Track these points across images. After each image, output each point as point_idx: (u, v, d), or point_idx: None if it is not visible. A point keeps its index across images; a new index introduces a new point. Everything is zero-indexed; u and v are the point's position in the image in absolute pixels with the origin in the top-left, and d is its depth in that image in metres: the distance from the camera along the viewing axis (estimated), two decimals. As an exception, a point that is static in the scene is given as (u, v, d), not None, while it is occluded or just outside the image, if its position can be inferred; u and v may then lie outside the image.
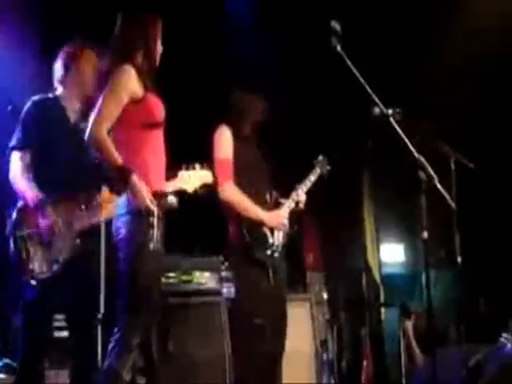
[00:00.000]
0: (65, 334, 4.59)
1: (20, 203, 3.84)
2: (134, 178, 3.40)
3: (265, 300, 4.18)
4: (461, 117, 6.63)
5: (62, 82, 4.11)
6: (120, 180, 3.43)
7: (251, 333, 4.15)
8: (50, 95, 4.11)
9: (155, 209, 3.45)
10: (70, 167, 3.90)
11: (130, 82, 3.53)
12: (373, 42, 6.40)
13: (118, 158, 3.42)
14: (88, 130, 3.44)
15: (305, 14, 6.37)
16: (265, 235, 4.26)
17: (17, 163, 3.93)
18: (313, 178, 4.63)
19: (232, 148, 4.30)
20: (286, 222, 4.36)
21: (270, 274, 4.23)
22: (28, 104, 4.04)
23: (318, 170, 4.68)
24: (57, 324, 4.58)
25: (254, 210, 4.26)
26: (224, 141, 4.31)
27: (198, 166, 3.74)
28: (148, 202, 3.40)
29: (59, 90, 4.12)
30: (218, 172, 4.18)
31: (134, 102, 3.53)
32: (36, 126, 3.95)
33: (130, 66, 3.56)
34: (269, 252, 4.25)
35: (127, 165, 3.43)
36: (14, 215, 3.80)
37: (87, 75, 4.07)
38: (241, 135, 4.37)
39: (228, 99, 4.48)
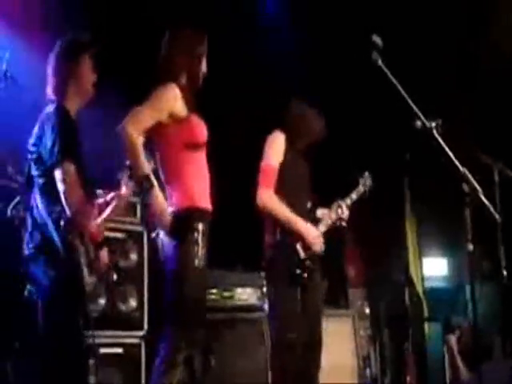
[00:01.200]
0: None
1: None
2: (153, 192, 3.41)
3: (297, 317, 4.14)
4: (503, 127, 6.56)
5: (61, 93, 3.62)
6: (141, 188, 3.44)
7: (284, 348, 4.12)
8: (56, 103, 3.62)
9: (200, 225, 3.46)
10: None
11: (173, 101, 3.54)
12: (412, 53, 6.38)
13: (142, 167, 3.40)
14: (120, 126, 3.40)
15: (344, 27, 6.37)
16: (297, 252, 4.20)
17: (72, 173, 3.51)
18: (355, 196, 4.56)
19: (282, 157, 4.23)
20: (322, 240, 4.29)
21: (302, 292, 4.18)
22: (61, 110, 3.56)
23: (361, 188, 4.62)
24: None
25: (292, 217, 4.16)
26: (276, 147, 4.23)
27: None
28: (157, 219, 3.44)
29: (57, 98, 3.63)
30: (260, 177, 4.17)
31: (177, 121, 3.54)
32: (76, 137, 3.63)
33: (175, 86, 3.58)
34: (299, 270, 4.19)
35: (150, 176, 3.42)
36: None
37: (88, 80, 3.68)
38: (295, 146, 4.31)
39: (285, 107, 4.44)
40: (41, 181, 3.47)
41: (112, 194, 3.78)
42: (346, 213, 4.43)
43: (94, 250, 3.52)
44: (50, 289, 3.39)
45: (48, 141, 3.41)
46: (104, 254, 3.63)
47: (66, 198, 3.37)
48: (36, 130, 3.52)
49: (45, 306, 3.44)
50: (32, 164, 3.52)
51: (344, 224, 4.44)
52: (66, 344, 3.38)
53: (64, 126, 3.43)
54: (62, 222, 3.36)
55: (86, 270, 3.44)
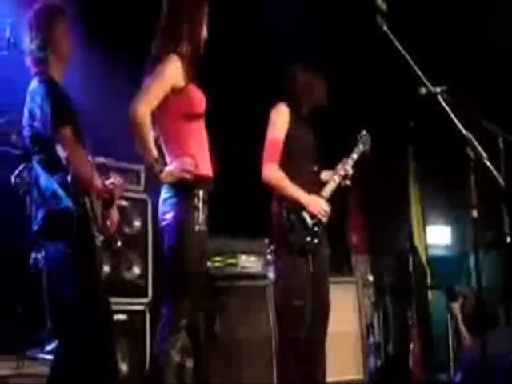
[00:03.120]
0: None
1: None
2: (165, 173, 3.44)
3: (304, 284, 4.16)
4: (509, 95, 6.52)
5: (42, 59, 3.52)
6: (152, 172, 3.48)
7: (291, 315, 4.15)
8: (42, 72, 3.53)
9: (200, 192, 3.47)
10: None
11: (175, 73, 3.52)
12: (417, 18, 6.32)
13: (153, 153, 3.43)
14: (131, 107, 3.42)
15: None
16: (304, 220, 4.23)
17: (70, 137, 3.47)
18: (355, 155, 4.56)
19: (287, 129, 4.26)
20: (326, 207, 4.30)
21: (310, 259, 4.21)
22: (46, 81, 3.48)
23: (360, 146, 4.61)
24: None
25: (296, 193, 4.21)
26: (280, 120, 4.28)
27: None
28: (183, 173, 3.43)
29: (40, 67, 3.53)
30: (265, 152, 4.22)
31: (175, 92, 3.52)
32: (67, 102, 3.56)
33: (176, 57, 3.55)
34: (309, 237, 4.22)
35: (160, 159, 3.45)
36: None
37: (65, 45, 3.61)
38: (299, 116, 4.34)
39: (286, 76, 4.44)
40: (39, 157, 3.46)
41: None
42: (350, 171, 4.45)
43: (102, 208, 3.52)
44: (59, 260, 3.37)
45: (40, 113, 3.37)
46: (114, 212, 3.63)
47: (69, 162, 3.35)
48: (26, 109, 3.48)
49: (54, 275, 3.42)
50: (29, 143, 3.49)
51: (348, 183, 4.46)
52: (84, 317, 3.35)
53: (52, 96, 3.39)
54: (69, 180, 3.34)
55: (93, 228, 3.45)
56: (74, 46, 3.65)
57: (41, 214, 3.41)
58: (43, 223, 3.40)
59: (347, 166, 4.46)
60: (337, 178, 4.41)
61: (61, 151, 3.36)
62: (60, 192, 3.36)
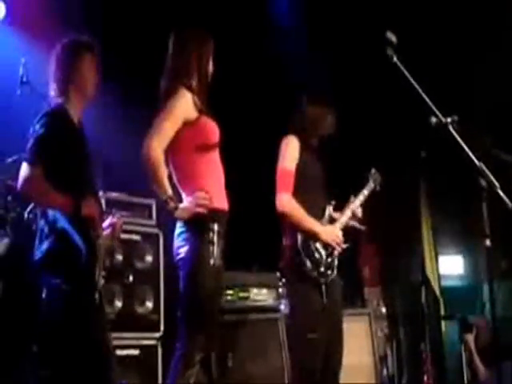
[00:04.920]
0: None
1: None
2: (180, 210, 3.43)
3: (318, 316, 4.13)
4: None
5: (63, 92, 3.55)
6: (167, 209, 3.46)
7: (305, 348, 4.11)
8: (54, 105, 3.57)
9: (215, 226, 3.46)
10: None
11: (186, 106, 3.55)
12: (426, 49, 6.35)
13: (168, 190, 3.43)
14: (144, 146, 3.43)
15: (358, 24, 6.36)
16: (317, 251, 4.21)
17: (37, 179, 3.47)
18: (366, 191, 4.56)
19: (297, 160, 4.25)
20: (341, 238, 4.30)
21: (323, 291, 4.18)
22: (53, 114, 3.49)
23: (371, 184, 4.63)
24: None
25: (310, 223, 4.19)
26: (290, 151, 4.26)
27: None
28: (198, 208, 3.43)
29: (60, 99, 3.56)
30: (278, 182, 4.20)
31: (188, 125, 3.55)
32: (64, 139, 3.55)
33: (186, 90, 3.58)
34: (322, 269, 4.20)
35: (174, 196, 3.45)
36: None
37: (89, 81, 3.61)
38: (309, 147, 4.34)
39: (295, 107, 4.45)
40: None
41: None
42: (359, 210, 4.44)
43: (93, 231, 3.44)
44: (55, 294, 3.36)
45: (30, 138, 3.36)
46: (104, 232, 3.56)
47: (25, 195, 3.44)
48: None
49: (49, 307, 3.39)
50: None
51: (357, 225, 4.45)
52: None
53: (46, 129, 3.37)
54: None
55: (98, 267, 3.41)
56: (99, 84, 3.65)
57: (45, 246, 3.38)
58: (45, 255, 3.37)
59: (357, 205, 4.46)
60: (346, 217, 4.39)
61: (20, 177, 3.34)
62: (68, 227, 3.35)
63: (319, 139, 4.43)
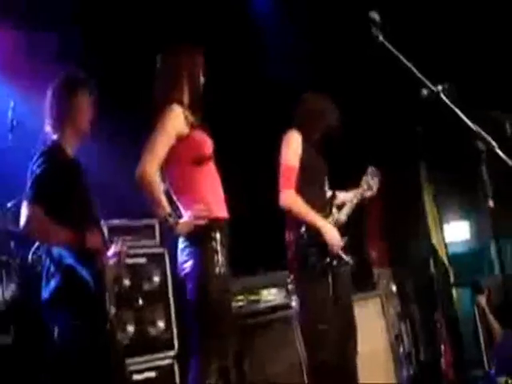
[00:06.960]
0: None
1: None
2: (180, 225, 3.47)
3: (327, 307, 4.17)
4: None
5: (59, 128, 3.58)
6: (167, 226, 3.51)
7: (318, 340, 4.16)
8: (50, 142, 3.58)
9: (217, 235, 3.51)
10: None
11: (177, 122, 3.57)
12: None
13: (166, 208, 3.47)
14: (138, 168, 3.46)
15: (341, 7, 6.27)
16: (323, 243, 4.23)
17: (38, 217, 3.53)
18: (365, 185, 4.63)
19: (300, 154, 4.29)
20: (340, 239, 4.29)
21: (330, 281, 4.21)
22: (50, 152, 3.51)
23: (369, 180, 4.64)
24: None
25: (314, 217, 4.23)
26: (293, 147, 4.30)
27: None
28: (198, 218, 3.48)
29: (55, 136, 3.58)
30: (281, 178, 4.24)
31: (181, 140, 3.57)
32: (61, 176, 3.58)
33: (175, 105, 3.59)
34: (328, 259, 4.22)
35: (173, 212, 3.49)
36: None
37: (85, 116, 3.63)
38: (311, 140, 4.37)
39: (296, 103, 4.48)
40: None
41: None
42: (375, 183, 4.57)
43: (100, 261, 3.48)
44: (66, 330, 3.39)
45: (29, 178, 3.41)
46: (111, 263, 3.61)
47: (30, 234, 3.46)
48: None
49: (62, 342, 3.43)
50: None
51: (372, 193, 4.57)
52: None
53: (45, 169, 3.40)
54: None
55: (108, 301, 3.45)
56: (94, 120, 3.66)
57: (52, 284, 3.40)
58: (53, 293, 3.39)
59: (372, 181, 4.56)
60: (354, 200, 4.49)
61: (22, 217, 3.37)
62: (73, 262, 3.38)
63: (322, 133, 4.44)
